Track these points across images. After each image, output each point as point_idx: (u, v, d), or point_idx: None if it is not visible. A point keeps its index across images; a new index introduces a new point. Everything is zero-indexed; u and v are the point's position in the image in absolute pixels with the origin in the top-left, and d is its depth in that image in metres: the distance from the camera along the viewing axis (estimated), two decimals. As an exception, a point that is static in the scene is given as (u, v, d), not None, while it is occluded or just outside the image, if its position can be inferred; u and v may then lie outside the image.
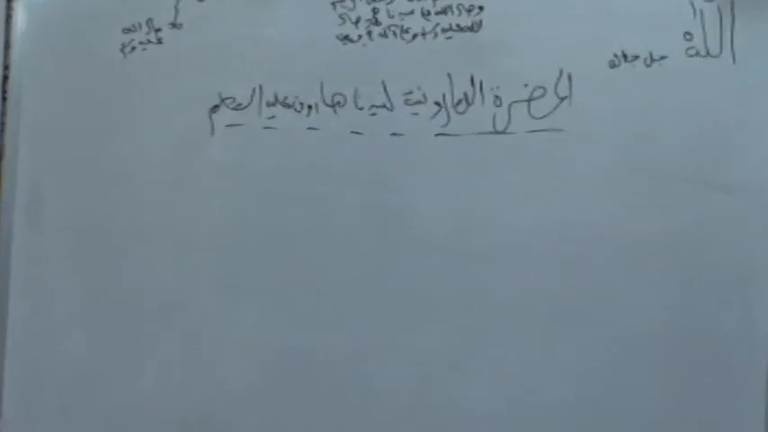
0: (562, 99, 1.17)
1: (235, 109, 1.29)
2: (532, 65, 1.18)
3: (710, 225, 1.13)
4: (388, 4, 1.23)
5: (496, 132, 1.19)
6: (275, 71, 1.27)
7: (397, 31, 1.23)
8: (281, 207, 1.27)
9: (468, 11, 1.20)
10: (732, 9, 1.12)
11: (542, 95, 1.18)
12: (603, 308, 1.15)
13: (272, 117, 1.27)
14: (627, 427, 1.14)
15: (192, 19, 1.31)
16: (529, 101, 1.18)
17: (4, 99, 1.39)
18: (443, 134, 1.21)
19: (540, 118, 1.18)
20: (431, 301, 1.21)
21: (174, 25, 1.32)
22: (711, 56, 1.13)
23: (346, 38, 1.25)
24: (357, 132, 1.24)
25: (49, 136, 1.37)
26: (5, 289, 1.37)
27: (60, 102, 1.37)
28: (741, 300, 1.12)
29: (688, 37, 1.13)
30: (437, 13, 1.21)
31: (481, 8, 1.20)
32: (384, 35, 1.23)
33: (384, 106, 1.23)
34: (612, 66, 1.16)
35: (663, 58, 1.14)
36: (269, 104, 1.27)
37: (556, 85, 1.17)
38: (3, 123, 1.39)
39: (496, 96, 1.19)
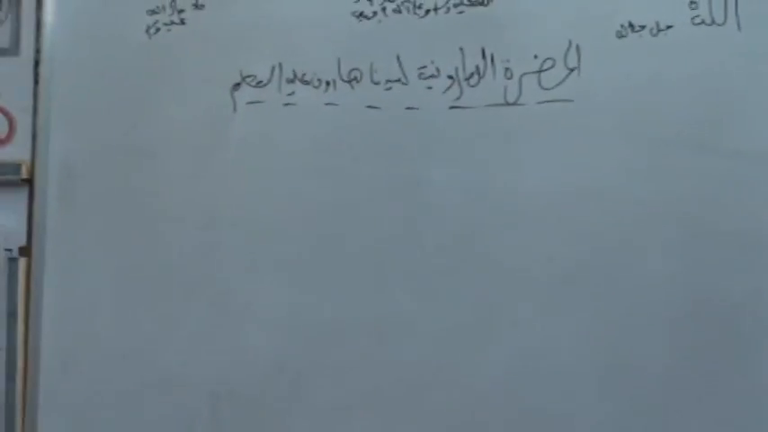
0: (571, 70, 1.19)
1: (255, 86, 1.30)
2: (541, 37, 1.20)
3: (718, 192, 1.14)
4: (401, -19, 1.25)
5: (508, 104, 1.21)
6: (294, 49, 1.29)
7: (410, 7, 1.25)
8: (301, 180, 1.28)
9: (479, -15, 1.22)
10: (736, -23, 1.13)
11: (552, 66, 1.19)
12: (613, 273, 1.17)
13: (292, 93, 1.29)
14: (638, 391, 1.16)
15: (214, 0, 1.33)
16: (539, 72, 1.20)
17: (36, 83, 1.41)
18: (456, 107, 1.23)
19: (550, 89, 1.19)
20: (447, 270, 1.22)
21: (196, 6, 1.34)
22: (717, 24, 1.14)
23: (361, 14, 1.27)
24: (373, 107, 1.26)
25: (80, 116, 1.38)
26: (41, 266, 1.38)
27: (89, 83, 1.38)
28: (748, 266, 1.13)
29: (693, 6, 1.15)
30: (448, -11, 1.23)
31: (491, -17, 1.22)
32: (398, 11, 1.25)
33: (399, 81, 1.25)
34: (620, 36, 1.17)
35: (669, 27, 1.15)
36: (288, 81, 1.29)
37: (565, 56, 1.19)
38: (35, 106, 1.41)
39: (507, 69, 1.21)
